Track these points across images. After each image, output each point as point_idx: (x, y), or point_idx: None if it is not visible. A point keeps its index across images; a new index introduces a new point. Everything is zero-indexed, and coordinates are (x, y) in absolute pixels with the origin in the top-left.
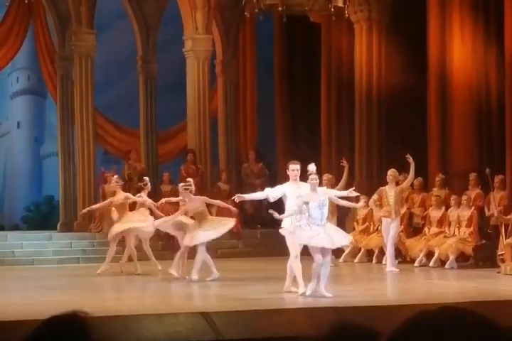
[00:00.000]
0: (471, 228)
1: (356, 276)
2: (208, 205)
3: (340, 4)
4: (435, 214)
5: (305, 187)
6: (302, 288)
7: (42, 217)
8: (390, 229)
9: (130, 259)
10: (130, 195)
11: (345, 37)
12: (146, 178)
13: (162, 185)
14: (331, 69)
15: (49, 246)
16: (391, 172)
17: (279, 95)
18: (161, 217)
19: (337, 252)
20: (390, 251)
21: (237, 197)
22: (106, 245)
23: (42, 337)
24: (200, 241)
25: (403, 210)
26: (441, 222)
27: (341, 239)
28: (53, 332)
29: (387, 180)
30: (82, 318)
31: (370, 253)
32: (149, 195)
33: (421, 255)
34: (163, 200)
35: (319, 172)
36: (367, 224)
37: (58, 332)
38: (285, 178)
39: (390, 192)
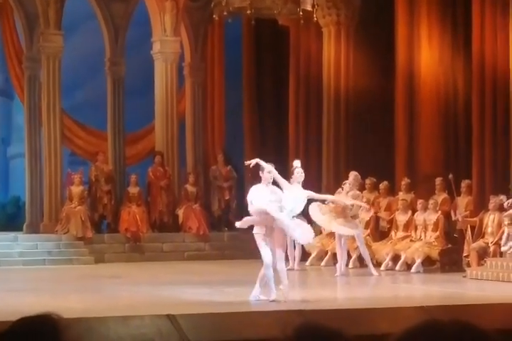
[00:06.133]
0: (438, 232)
1: (323, 280)
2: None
3: (309, 8)
4: (401, 218)
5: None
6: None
7: (8, 217)
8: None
9: None
10: None
11: (313, 40)
12: None
13: (129, 187)
14: (300, 72)
15: (15, 247)
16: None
17: (248, 98)
18: None
19: (304, 256)
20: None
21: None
22: (72, 247)
23: (13, 337)
24: None
25: (370, 214)
26: (408, 226)
27: (294, 230)
28: (25, 333)
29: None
30: (55, 320)
31: (336, 256)
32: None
33: (387, 259)
34: None
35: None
36: None
37: (30, 332)
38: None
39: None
